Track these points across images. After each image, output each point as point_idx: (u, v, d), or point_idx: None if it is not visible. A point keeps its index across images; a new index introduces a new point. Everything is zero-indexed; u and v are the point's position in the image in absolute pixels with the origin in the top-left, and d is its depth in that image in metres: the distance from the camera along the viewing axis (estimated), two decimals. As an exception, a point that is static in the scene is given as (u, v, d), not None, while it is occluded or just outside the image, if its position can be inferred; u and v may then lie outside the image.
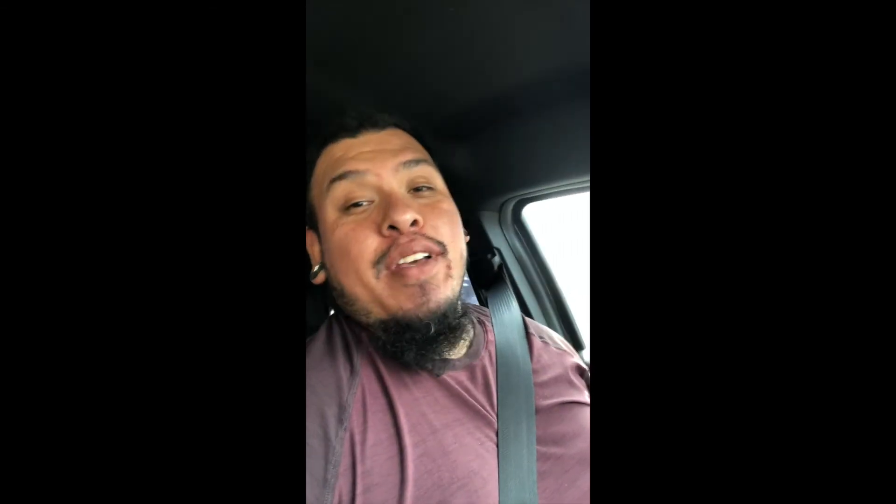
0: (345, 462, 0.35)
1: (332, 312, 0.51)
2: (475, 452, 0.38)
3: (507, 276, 0.74)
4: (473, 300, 0.88)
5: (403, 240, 0.40)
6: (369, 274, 0.41)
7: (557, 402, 0.46)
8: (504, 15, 0.43)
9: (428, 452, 0.37)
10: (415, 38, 0.46)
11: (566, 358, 0.53)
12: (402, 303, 0.40)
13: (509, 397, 0.43)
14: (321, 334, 0.46)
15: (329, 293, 0.47)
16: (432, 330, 0.40)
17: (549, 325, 0.87)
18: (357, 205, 0.43)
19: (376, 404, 0.39)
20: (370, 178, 0.43)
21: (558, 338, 0.57)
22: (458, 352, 0.46)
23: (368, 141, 0.45)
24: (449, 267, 0.43)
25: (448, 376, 0.43)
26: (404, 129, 0.49)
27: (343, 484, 0.34)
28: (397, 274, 0.40)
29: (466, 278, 0.51)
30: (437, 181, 0.47)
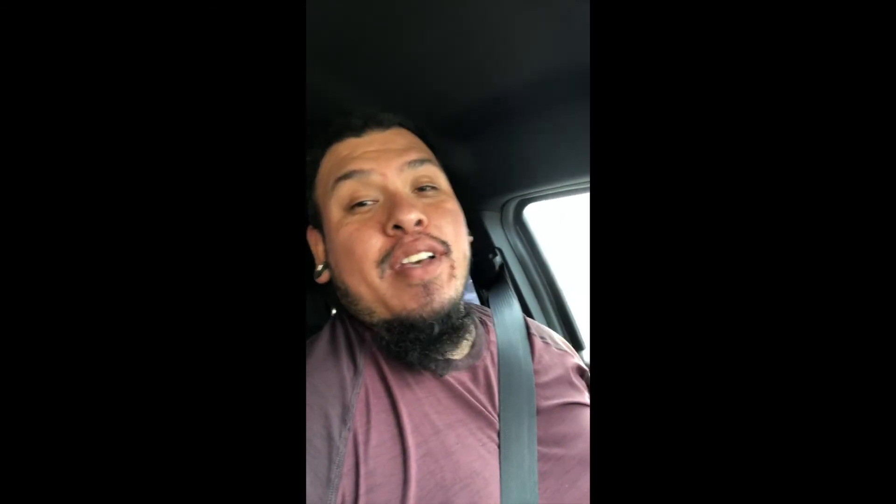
0: (348, 462, 0.35)
1: (334, 312, 0.51)
2: (477, 453, 0.38)
3: (508, 276, 0.74)
4: (474, 299, 0.88)
5: (408, 239, 0.40)
6: (373, 273, 0.41)
7: (558, 402, 0.46)
8: (504, 15, 0.43)
9: (431, 453, 0.37)
10: (415, 38, 0.46)
11: (567, 359, 0.53)
12: (405, 303, 0.40)
13: (511, 398, 0.43)
14: (324, 334, 0.46)
15: (332, 292, 0.47)
16: (436, 330, 0.40)
17: (550, 325, 0.87)
18: (362, 204, 0.43)
19: (380, 404, 0.39)
20: (375, 178, 0.43)
21: (559, 338, 0.57)
22: (461, 352, 0.46)
23: (373, 140, 0.45)
24: (453, 267, 0.43)
25: (450, 376, 0.43)
26: (409, 129, 0.49)
27: (346, 484, 0.34)
28: (401, 274, 0.40)
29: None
30: (442, 181, 0.47)
